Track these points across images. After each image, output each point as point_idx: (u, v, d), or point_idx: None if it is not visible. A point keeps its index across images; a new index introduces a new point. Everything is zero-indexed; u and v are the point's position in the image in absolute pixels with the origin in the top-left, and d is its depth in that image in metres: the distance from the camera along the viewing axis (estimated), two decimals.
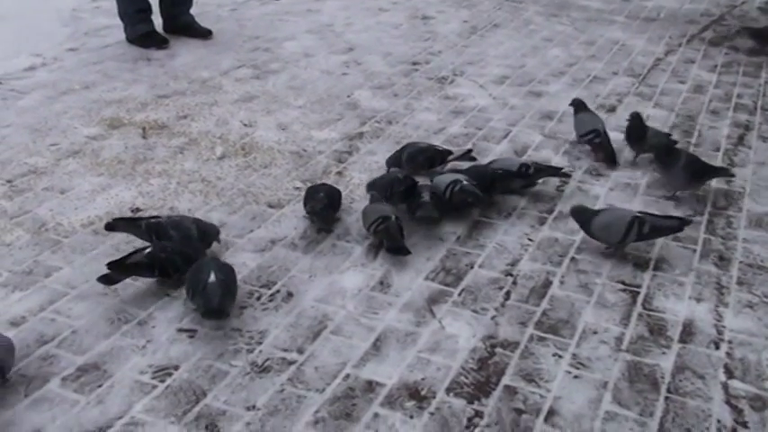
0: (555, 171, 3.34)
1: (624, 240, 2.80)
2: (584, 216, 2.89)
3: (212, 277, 2.42)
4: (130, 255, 2.61)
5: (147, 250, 2.61)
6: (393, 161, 3.38)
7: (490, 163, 3.36)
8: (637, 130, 3.59)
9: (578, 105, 3.77)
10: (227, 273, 2.51)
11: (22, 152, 3.58)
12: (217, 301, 2.39)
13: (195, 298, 2.43)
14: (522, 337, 2.43)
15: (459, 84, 4.57)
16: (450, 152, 3.43)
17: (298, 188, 3.26)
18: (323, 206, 2.99)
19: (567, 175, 3.36)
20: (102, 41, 5.14)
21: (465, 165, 3.35)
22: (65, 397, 2.16)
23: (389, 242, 2.84)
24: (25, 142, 3.68)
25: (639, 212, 2.85)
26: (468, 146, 3.65)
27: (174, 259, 2.61)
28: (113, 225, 2.81)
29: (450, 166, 3.38)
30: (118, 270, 2.56)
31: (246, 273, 2.73)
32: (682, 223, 2.85)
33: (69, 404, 2.14)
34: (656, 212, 3.01)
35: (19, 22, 5.41)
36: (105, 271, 2.56)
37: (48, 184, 3.30)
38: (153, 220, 2.80)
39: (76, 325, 2.45)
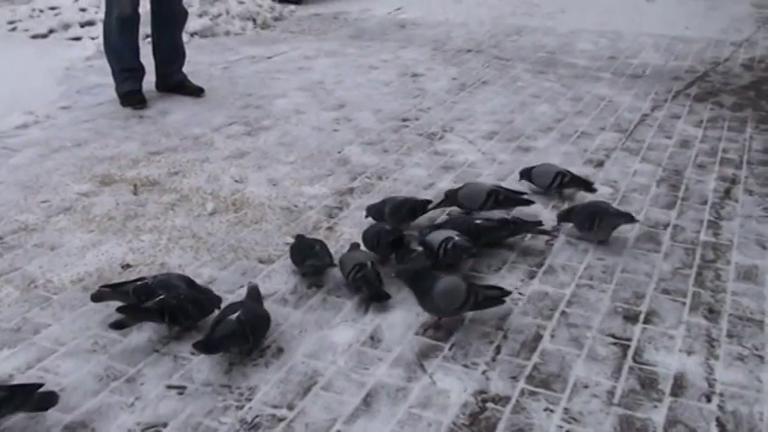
0: (533, 226, 3.36)
1: (461, 310, 2.72)
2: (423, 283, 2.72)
3: (235, 316, 2.52)
4: (142, 300, 2.63)
5: (160, 297, 2.61)
6: (375, 212, 3.41)
7: (470, 214, 3.42)
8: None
9: (524, 172, 3.92)
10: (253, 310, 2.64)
11: (12, 209, 3.59)
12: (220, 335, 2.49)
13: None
14: (514, 392, 2.42)
15: (449, 139, 4.63)
16: (429, 201, 3.53)
17: (288, 243, 3.26)
18: (324, 262, 3.00)
19: (547, 233, 3.37)
20: (95, 99, 5.20)
21: (444, 215, 3.44)
22: None
23: (368, 289, 2.88)
24: (16, 199, 3.69)
25: (472, 283, 2.80)
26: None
27: (185, 306, 2.61)
28: (100, 295, 2.76)
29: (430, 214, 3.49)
30: (128, 315, 2.58)
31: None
32: (503, 294, 2.80)
33: None
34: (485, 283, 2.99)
35: (12, 80, 5.46)
36: (95, 328, 2.56)
37: (38, 241, 3.30)
38: (139, 283, 2.77)
39: (64, 382, 2.43)
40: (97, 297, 2.77)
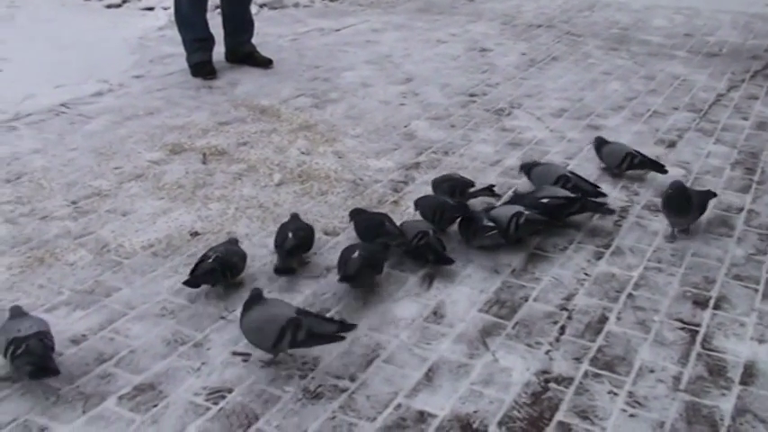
0: (599, 206, 3.31)
1: (276, 348, 2.38)
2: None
3: (357, 254, 2.73)
4: (198, 264, 2.76)
5: (214, 256, 2.75)
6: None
7: (533, 193, 3.36)
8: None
9: (599, 142, 3.83)
10: (373, 252, 2.81)
11: (87, 175, 3.68)
12: (354, 269, 2.69)
13: (339, 270, 2.76)
14: (577, 373, 2.40)
15: (517, 116, 4.57)
16: (472, 184, 3.44)
17: (360, 209, 3.27)
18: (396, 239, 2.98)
19: (613, 212, 3.30)
20: (167, 69, 5.28)
21: (510, 192, 3.35)
22: (121, 415, 2.20)
23: (432, 254, 2.89)
24: (90, 165, 3.79)
25: (295, 317, 2.37)
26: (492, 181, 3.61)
27: (234, 261, 2.79)
28: (195, 282, 2.75)
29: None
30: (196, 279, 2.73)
31: (301, 299, 2.75)
32: (341, 329, 2.44)
33: (125, 423, 2.17)
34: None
35: (88, 50, 5.58)
36: (164, 293, 2.64)
37: (111, 207, 3.38)
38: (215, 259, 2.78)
39: (134, 345, 2.50)
40: (194, 284, 2.75)
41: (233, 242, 2.94)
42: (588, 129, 4.38)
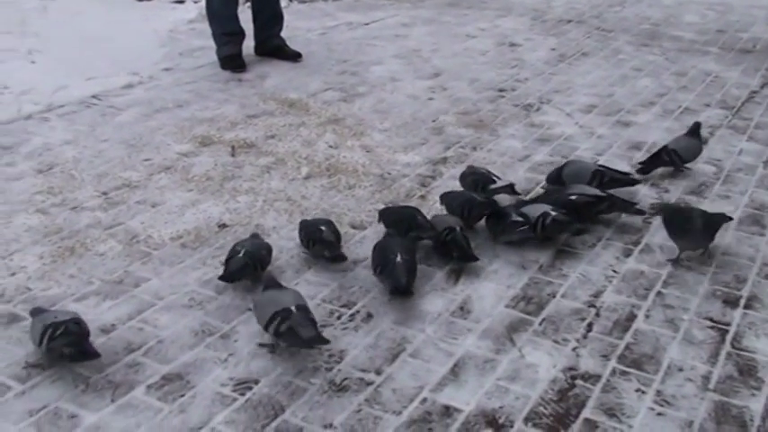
0: (629, 205, 3.26)
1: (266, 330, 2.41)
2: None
3: (399, 258, 2.69)
4: (230, 260, 2.78)
5: (243, 251, 2.77)
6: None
7: (564, 190, 3.32)
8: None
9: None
10: (412, 253, 2.78)
11: (117, 166, 3.72)
12: (404, 280, 2.66)
13: (383, 275, 2.72)
14: (605, 371, 2.38)
15: (546, 111, 4.54)
16: (493, 180, 3.38)
17: (387, 205, 3.27)
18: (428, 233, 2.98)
19: (642, 213, 3.26)
20: (196, 62, 5.31)
21: (539, 188, 3.33)
22: (149, 404, 2.22)
23: (457, 251, 2.88)
24: (121, 156, 3.82)
25: (286, 308, 2.38)
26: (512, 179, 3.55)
27: (263, 254, 2.82)
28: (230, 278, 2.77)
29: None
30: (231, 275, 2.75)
31: (327, 292, 2.76)
32: (317, 340, 2.35)
33: (153, 411, 2.19)
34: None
35: (119, 43, 5.63)
36: (192, 284, 2.68)
37: (140, 198, 3.41)
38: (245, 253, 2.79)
39: (162, 335, 2.52)
40: (229, 279, 2.77)
41: (256, 236, 2.96)
42: (618, 125, 4.34)
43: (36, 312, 2.45)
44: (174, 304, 2.68)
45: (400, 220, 3.01)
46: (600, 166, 3.51)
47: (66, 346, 2.31)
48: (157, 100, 4.60)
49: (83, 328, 2.36)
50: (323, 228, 2.93)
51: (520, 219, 3.02)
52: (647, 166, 3.66)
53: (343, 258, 2.91)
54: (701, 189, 3.55)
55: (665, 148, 3.68)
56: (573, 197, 3.20)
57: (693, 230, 2.93)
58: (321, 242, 2.89)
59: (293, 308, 2.39)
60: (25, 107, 4.42)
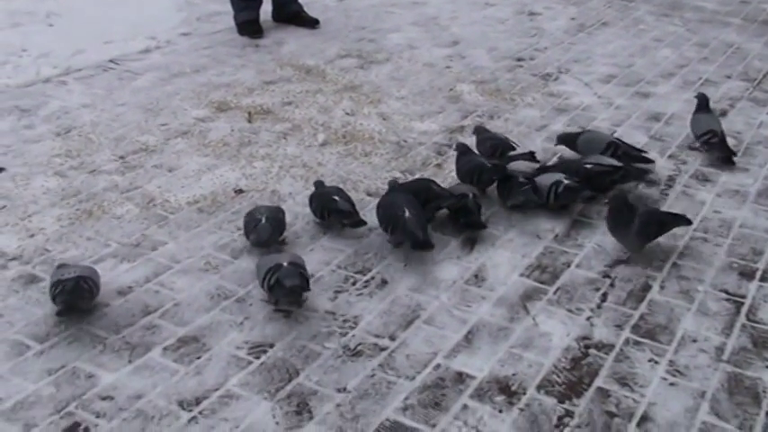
0: (644, 174, 3.25)
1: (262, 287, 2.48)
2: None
3: (407, 213, 2.71)
4: (254, 227, 2.77)
5: (263, 217, 2.78)
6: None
7: (579, 159, 3.31)
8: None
9: (701, 103, 3.66)
10: (418, 207, 2.80)
11: (134, 130, 3.73)
12: (420, 233, 2.68)
13: (396, 234, 2.75)
14: (618, 340, 2.39)
15: (564, 81, 4.50)
16: (513, 147, 3.38)
17: (396, 179, 3.27)
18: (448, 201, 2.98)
19: (657, 184, 3.24)
20: (214, 27, 5.29)
21: (555, 158, 3.31)
22: (165, 366, 2.25)
23: (466, 217, 2.89)
24: (138, 121, 3.83)
25: (279, 263, 2.44)
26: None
27: (281, 218, 2.86)
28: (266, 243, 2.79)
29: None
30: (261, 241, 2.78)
31: (342, 258, 2.77)
32: (302, 287, 2.43)
33: (169, 373, 2.22)
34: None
35: (137, 7, 5.61)
36: (208, 248, 2.73)
37: (157, 162, 3.42)
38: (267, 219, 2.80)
39: (179, 298, 2.54)
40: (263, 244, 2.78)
41: (261, 206, 2.93)
42: (637, 96, 4.30)
43: (60, 265, 2.52)
44: (190, 268, 2.70)
45: (416, 193, 2.97)
46: (616, 138, 3.48)
47: (61, 303, 2.38)
48: (174, 65, 4.60)
49: (80, 285, 2.38)
50: (336, 197, 2.92)
51: (524, 180, 3.01)
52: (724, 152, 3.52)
53: (363, 223, 2.91)
54: (719, 162, 3.52)
55: (720, 134, 3.53)
56: (588, 166, 3.18)
57: (627, 231, 2.76)
58: (337, 212, 2.90)
59: (285, 263, 2.43)
60: (43, 70, 4.43)
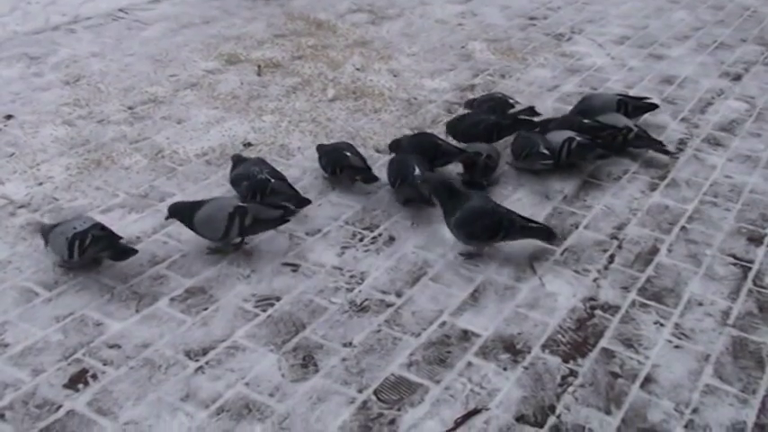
0: (656, 143, 3.19)
1: (227, 236, 2.48)
2: (184, 212, 2.52)
3: (417, 170, 2.72)
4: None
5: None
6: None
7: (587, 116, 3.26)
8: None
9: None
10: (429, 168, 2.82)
11: (143, 81, 3.70)
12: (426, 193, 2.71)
13: (402, 187, 2.76)
14: (624, 302, 2.39)
15: (577, 41, 4.45)
16: (511, 105, 3.36)
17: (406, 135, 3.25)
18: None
19: (668, 153, 3.20)
20: None
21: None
22: (172, 316, 2.26)
23: (469, 176, 2.90)
24: (147, 71, 3.81)
25: (241, 205, 2.48)
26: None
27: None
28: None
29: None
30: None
31: (350, 214, 2.77)
32: (286, 214, 2.52)
33: (176, 323, 2.23)
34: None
35: None
36: None
37: (166, 113, 3.41)
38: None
39: (186, 249, 2.55)
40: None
41: (241, 159, 2.87)
42: (650, 58, 4.25)
43: (47, 228, 2.45)
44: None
45: (423, 149, 2.95)
46: (621, 95, 3.45)
47: (102, 251, 2.37)
48: (184, 15, 4.55)
49: (109, 231, 2.40)
50: (348, 154, 2.90)
51: (546, 152, 2.98)
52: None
53: (375, 179, 2.90)
54: (731, 126, 3.50)
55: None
56: (587, 122, 3.16)
57: (449, 222, 2.56)
58: (350, 168, 2.88)
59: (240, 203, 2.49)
60: (52, 18, 4.40)
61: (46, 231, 2.44)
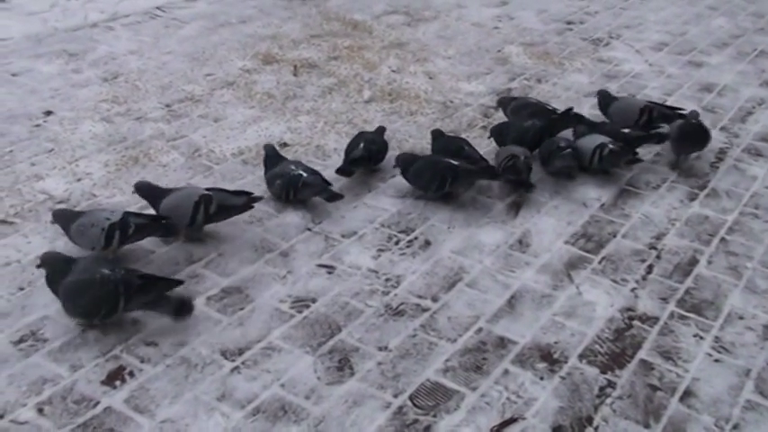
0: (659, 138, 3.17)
1: (193, 223, 2.52)
2: (154, 194, 2.58)
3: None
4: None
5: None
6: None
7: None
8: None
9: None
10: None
11: (180, 79, 3.72)
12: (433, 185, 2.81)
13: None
14: (663, 313, 2.36)
15: (615, 47, 4.41)
16: (554, 111, 3.32)
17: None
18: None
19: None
20: None
21: None
22: (209, 315, 2.26)
23: (514, 175, 2.88)
24: (184, 70, 3.82)
25: (205, 193, 2.54)
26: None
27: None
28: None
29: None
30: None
31: (386, 217, 2.76)
32: (250, 200, 2.60)
33: (212, 322, 2.24)
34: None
35: None
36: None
37: (203, 112, 3.42)
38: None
39: (223, 248, 2.55)
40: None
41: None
42: (689, 65, 4.20)
43: (69, 216, 2.46)
44: (234, 219, 2.69)
45: (450, 152, 2.94)
46: (648, 102, 3.40)
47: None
48: (221, 14, 4.57)
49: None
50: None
51: (563, 144, 2.97)
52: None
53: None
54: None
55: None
56: (627, 131, 3.13)
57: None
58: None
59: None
60: (91, 15, 4.44)
61: (68, 219, 2.43)
